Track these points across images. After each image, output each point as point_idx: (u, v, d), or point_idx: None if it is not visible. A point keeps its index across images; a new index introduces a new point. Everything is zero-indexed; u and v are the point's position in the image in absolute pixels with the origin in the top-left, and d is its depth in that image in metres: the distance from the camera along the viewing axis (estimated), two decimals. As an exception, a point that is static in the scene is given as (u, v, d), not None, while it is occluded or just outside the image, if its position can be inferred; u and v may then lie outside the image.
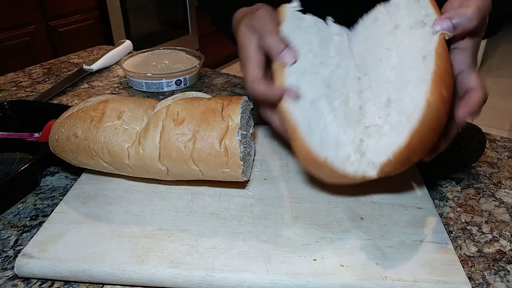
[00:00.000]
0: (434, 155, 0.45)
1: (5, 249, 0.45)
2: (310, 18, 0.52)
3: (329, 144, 0.43)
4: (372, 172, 0.42)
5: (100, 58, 0.96)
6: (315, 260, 0.42)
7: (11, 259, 0.44)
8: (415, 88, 0.40)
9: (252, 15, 0.50)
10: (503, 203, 0.53)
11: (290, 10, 0.51)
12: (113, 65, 0.99)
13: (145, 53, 0.96)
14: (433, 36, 0.41)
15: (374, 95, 0.43)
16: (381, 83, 0.43)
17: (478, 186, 0.57)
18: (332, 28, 0.52)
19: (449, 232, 0.48)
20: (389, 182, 0.53)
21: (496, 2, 0.47)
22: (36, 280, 0.42)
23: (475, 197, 0.54)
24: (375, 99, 0.43)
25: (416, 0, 0.45)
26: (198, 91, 0.84)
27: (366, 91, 0.44)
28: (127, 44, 1.04)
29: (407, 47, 0.43)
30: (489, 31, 0.54)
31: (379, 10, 0.50)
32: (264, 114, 0.52)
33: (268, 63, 0.49)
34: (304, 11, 0.52)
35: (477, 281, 0.42)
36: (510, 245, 0.47)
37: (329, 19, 0.52)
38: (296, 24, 0.50)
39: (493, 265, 0.44)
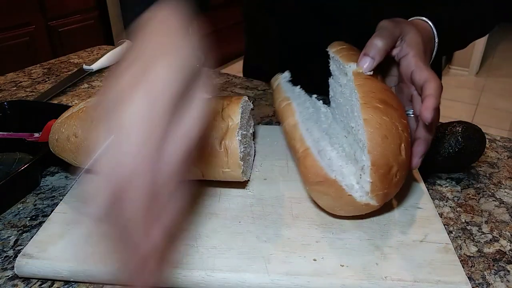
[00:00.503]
0: (421, 157, 0.47)
1: (5, 249, 0.45)
2: (300, 90, 0.59)
3: (335, 172, 0.45)
4: (373, 201, 0.44)
5: (100, 58, 0.96)
6: (315, 260, 0.42)
7: (11, 259, 0.44)
8: (357, 121, 0.45)
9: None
10: (503, 203, 0.53)
11: (283, 80, 0.60)
12: (113, 65, 0.99)
13: None
14: (350, 77, 0.47)
15: (357, 144, 0.47)
16: (354, 136, 0.47)
17: (478, 186, 0.57)
18: (318, 103, 0.58)
19: (449, 232, 0.48)
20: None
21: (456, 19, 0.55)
22: (36, 280, 0.42)
23: (475, 197, 0.54)
24: (357, 146, 0.47)
25: (336, 61, 0.52)
26: (198, 91, 0.84)
27: (354, 145, 0.48)
28: (127, 44, 1.04)
29: (348, 97, 0.49)
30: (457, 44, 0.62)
31: (331, 82, 0.57)
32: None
33: None
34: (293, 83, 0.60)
35: (477, 281, 0.42)
36: (510, 245, 0.47)
37: (314, 96, 0.59)
38: (291, 89, 0.58)
39: (493, 265, 0.44)
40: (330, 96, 0.58)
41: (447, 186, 0.56)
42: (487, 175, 0.59)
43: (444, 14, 0.56)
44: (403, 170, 0.44)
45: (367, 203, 0.43)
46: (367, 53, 0.47)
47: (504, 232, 0.48)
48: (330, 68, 0.55)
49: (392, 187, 0.43)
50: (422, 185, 0.53)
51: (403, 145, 0.43)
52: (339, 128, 0.53)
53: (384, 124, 0.42)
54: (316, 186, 0.45)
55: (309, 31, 0.76)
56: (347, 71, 0.48)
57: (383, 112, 0.43)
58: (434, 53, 0.54)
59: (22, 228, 0.48)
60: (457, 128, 0.56)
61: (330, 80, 0.57)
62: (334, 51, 0.53)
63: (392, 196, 0.45)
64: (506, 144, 0.67)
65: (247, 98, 0.53)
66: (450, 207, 0.53)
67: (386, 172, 0.42)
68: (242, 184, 0.52)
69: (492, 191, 0.56)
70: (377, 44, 0.46)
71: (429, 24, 0.53)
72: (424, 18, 0.54)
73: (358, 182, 0.44)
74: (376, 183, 0.42)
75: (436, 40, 0.53)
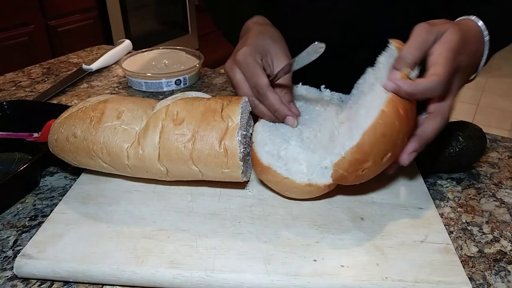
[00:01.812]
0: (409, 154, 0.47)
1: (4, 250, 0.45)
2: (302, 87, 0.62)
3: (284, 158, 0.49)
4: (321, 181, 0.47)
5: (99, 58, 0.95)
6: (315, 260, 0.42)
7: (10, 259, 0.44)
8: (372, 107, 0.45)
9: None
10: (504, 203, 0.53)
11: None
12: (112, 65, 0.99)
13: (145, 53, 0.96)
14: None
15: (348, 130, 0.50)
16: (355, 119, 0.49)
17: (479, 186, 0.56)
18: (325, 92, 0.61)
19: (450, 233, 0.48)
20: (389, 182, 0.53)
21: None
22: (36, 281, 0.42)
23: (476, 197, 0.54)
24: (347, 132, 0.50)
25: (391, 55, 0.50)
26: (198, 91, 0.84)
27: (342, 128, 0.53)
28: (127, 43, 1.04)
29: (379, 91, 0.47)
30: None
31: (368, 71, 0.56)
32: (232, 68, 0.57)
33: None
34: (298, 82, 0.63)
35: (477, 282, 0.42)
36: (511, 246, 0.46)
37: (323, 87, 0.62)
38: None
39: (494, 266, 0.44)
40: (357, 82, 0.58)
41: (447, 186, 0.56)
42: (488, 175, 0.59)
43: (492, 12, 0.53)
44: (372, 172, 0.46)
45: (308, 183, 0.46)
46: (395, 67, 0.46)
47: (505, 233, 0.48)
48: (378, 59, 0.54)
49: (352, 175, 0.45)
50: (423, 185, 0.53)
51: (389, 155, 0.45)
52: (332, 115, 0.56)
53: (391, 127, 0.43)
54: (260, 174, 0.50)
55: (309, 30, 0.76)
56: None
57: (399, 119, 0.44)
58: (486, 52, 0.52)
59: (21, 228, 0.48)
60: (458, 128, 0.56)
61: (368, 69, 0.56)
62: (397, 46, 0.51)
63: (347, 183, 0.47)
64: (507, 144, 0.67)
65: (246, 99, 0.53)
66: (451, 207, 0.52)
67: (360, 160, 0.44)
68: (242, 185, 0.52)
69: (493, 191, 0.56)
70: (406, 58, 0.46)
71: (477, 24, 0.51)
72: (471, 17, 0.51)
73: (309, 166, 0.47)
74: (345, 160, 0.44)
75: (486, 38, 0.51)
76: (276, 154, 0.49)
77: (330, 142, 0.52)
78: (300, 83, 0.63)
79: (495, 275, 0.43)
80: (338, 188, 0.50)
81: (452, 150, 0.55)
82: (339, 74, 0.65)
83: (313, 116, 0.56)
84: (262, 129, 0.52)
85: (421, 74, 0.47)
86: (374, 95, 0.47)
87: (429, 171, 0.58)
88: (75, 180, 0.54)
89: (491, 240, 0.47)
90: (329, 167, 0.46)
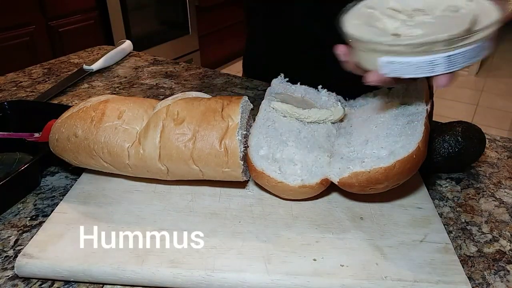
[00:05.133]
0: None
1: (5, 249, 0.45)
2: (301, 87, 0.62)
3: (280, 160, 0.49)
4: (314, 180, 0.47)
5: (100, 58, 0.96)
6: (315, 260, 0.42)
7: (11, 259, 0.44)
8: (401, 135, 0.47)
9: None
10: (503, 203, 0.53)
11: (277, 81, 0.63)
12: (113, 65, 0.99)
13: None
14: (420, 111, 0.49)
15: (353, 134, 0.52)
16: (362, 129, 0.52)
17: (478, 186, 0.57)
18: (322, 92, 0.62)
19: (449, 232, 0.48)
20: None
21: None
22: (36, 280, 0.42)
23: (475, 197, 0.54)
24: (351, 137, 0.52)
25: (415, 89, 0.53)
26: (198, 91, 0.84)
27: (345, 129, 0.55)
28: (127, 44, 1.04)
29: (394, 114, 0.51)
30: None
31: (383, 90, 0.59)
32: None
33: None
34: (294, 82, 0.63)
35: (477, 281, 0.42)
36: (510, 245, 0.47)
37: (320, 87, 0.62)
38: (283, 88, 0.61)
39: (493, 265, 0.44)
40: (367, 95, 0.61)
41: (447, 186, 0.56)
42: (487, 175, 0.59)
43: None
44: (376, 192, 0.46)
45: (302, 184, 0.47)
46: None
47: (504, 232, 0.48)
48: (393, 89, 0.57)
49: (360, 187, 0.45)
50: (422, 185, 0.53)
51: (399, 184, 0.46)
52: (330, 114, 0.56)
53: (417, 164, 0.45)
54: (255, 179, 0.50)
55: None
56: (415, 102, 0.51)
57: (423, 157, 0.45)
58: None
59: (22, 228, 0.48)
60: (457, 128, 0.56)
61: (385, 88, 0.59)
62: (424, 86, 0.54)
63: (348, 190, 0.47)
64: (506, 144, 0.67)
65: (247, 98, 0.53)
66: (450, 207, 0.53)
67: (378, 181, 0.44)
68: (242, 184, 0.52)
69: (492, 191, 0.56)
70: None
71: None
72: None
73: (303, 168, 0.48)
74: (365, 175, 0.44)
75: None
76: (271, 158, 0.49)
77: (326, 141, 0.52)
78: (299, 83, 0.63)
79: (494, 275, 0.43)
80: (337, 188, 0.50)
81: (451, 150, 0.55)
82: (337, 76, 0.65)
83: (311, 113, 0.56)
84: (258, 131, 0.52)
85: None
86: (398, 122, 0.49)
87: (429, 171, 0.58)
88: (76, 180, 0.55)
89: (490, 240, 0.47)
90: (345, 171, 0.46)
